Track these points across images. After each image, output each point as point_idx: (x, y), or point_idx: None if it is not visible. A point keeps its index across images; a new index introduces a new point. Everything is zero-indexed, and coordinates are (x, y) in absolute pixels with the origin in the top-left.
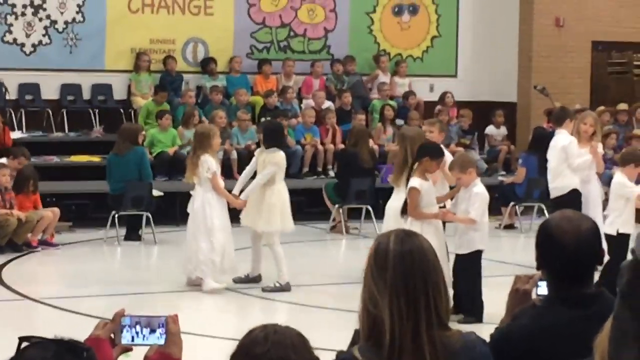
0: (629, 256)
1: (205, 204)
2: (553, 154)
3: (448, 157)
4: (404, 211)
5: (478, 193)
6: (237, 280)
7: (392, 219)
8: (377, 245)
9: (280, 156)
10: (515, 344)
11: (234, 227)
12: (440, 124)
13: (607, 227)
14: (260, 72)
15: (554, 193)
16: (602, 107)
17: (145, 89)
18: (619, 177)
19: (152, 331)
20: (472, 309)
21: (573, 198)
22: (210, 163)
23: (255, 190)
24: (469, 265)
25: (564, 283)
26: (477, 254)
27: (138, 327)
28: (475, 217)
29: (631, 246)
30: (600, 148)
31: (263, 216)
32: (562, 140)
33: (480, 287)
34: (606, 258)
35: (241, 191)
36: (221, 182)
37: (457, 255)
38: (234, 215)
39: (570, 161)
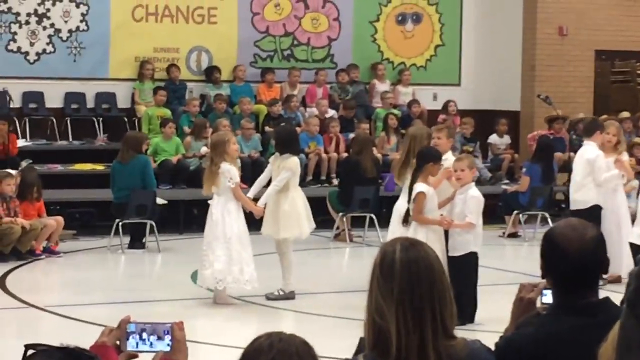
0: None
1: (225, 213)
2: (578, 165)
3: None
4: (406, 219)
5: (474, 196)
6: (272, 297)
7: (398, 221)
8: (383, 255)
9: (294, 162)
10: (520, 353)
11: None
12: (448, 130)
13: (637, 238)
14: (264, 80)
15: (574, 205)
16: (604, 116)
17: (149, 98)
18: None
19: (158, 338)
20: (463, 310)
21: (593, 214)
22: (232, 172)
23: (272, 196)
24: (463, 267)
25: (568, 291)
26: (472, 256)
27: (144, 334)
28: (473, 221)
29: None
30: (625, 157)
31: (280, 224)
32: (589, 152)
33: (475, 289)
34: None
35: (256, 199)
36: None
37: (451, 258)
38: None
39: (596, 175)
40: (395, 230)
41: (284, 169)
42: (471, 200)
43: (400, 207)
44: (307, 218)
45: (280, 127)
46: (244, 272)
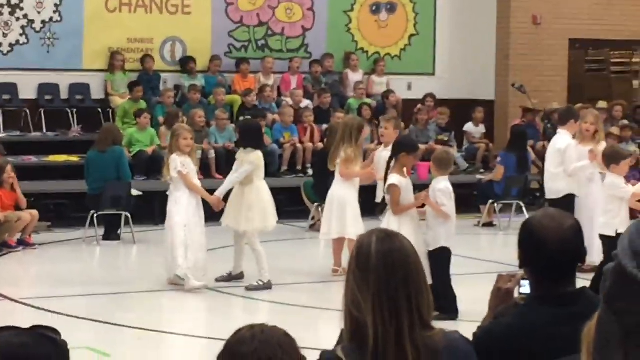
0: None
1: (173, 202)
2: (550, 155)
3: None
4: (382, 210)
5: (441, 189)
6: (220, 279)
7: (335, 206)
8: (359, 247)
9: (256, 155)
10: (498, 343)
11: (214, 227)
12: (395, 121)
13: (603, 229)
14: (239, 71)
15: (548, 194)
16: (579, 105)
17: (122, 89)
18: (610, 177)
19: None
20: (444, 305)
21: (567, 203)
22: (175, 162)
23: (229, 188)
24: (436, 262)
25: (546, 281)
26: (443, 251)
27: None
28: (448, 211)
29: (615, 251)
30: (602, 146)
31: (243, 215)
32: (560, 142)
33: (449, 283)
34: (593, 258)
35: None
36: (195, 181)
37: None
38: (215, 215)
39: (565, 166)
40: (333, 214)
41: (246, 162)
42: (438, 193)
43: (337, 194)
44: (272, 211)
45: (245, 120)
46: (196, 260)
